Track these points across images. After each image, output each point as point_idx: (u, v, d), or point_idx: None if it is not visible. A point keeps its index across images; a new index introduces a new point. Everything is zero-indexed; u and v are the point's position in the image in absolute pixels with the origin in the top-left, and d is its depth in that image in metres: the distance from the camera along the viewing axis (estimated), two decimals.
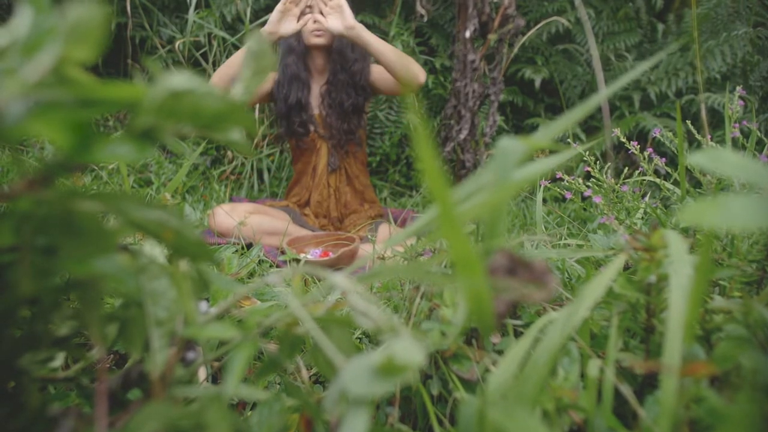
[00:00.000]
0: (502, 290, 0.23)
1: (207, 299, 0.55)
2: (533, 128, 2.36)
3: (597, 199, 0.67)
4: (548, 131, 0.27)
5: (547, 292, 0.21)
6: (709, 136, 0.75)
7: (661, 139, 0.80)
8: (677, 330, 0.31)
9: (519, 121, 2.46)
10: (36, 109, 0.20)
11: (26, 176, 0.22)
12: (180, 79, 0.20)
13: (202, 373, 0.55)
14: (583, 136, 2.18)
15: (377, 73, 1.66)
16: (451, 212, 0.20)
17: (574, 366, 0.42)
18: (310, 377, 0.58)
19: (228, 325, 0.27)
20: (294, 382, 0.53)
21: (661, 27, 2.47)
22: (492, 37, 0.49)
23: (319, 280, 1.23)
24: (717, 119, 2.28)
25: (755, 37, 2.19)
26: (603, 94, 0.28)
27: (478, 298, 0.22)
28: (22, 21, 0.22)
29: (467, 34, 0.46)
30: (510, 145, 0.25)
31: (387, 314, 0.25)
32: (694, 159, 0.26)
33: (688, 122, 0.79)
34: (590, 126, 2.41)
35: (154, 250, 0.34)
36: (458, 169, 0.51)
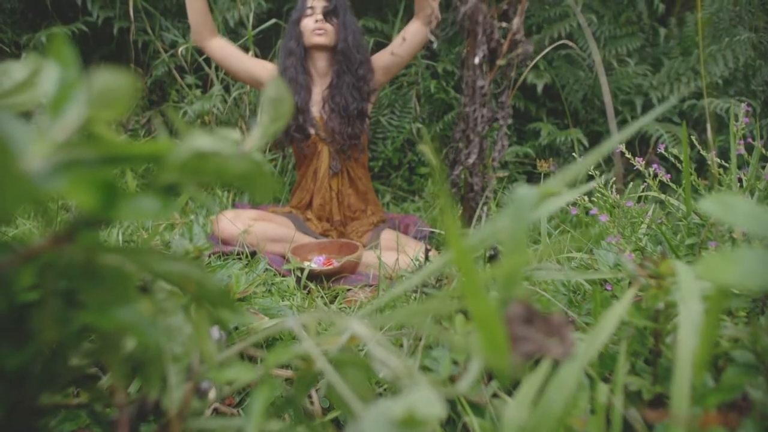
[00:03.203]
0: (519, 341, 0.23)
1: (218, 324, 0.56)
2: (535, 133, 2.36)
3: (603, 218, 0.67)
4: (562, 177, 0.27)
5: (567, 347, 0.22)
6: (713, 152, 0.75)
7: (665, 154, 0.81)
8: (686, 368, 0.32)
9: (521, 126, 2.46)
10: (62, 169, 0.21)
11: (51, 232, 0.22)
12: (205, 141, 0.20)
13: (212, 393, 0.55)
14: (585, 142, 2.19)
15: (381, 59, 1.64)
16: (472, 270, 0.21)
17: (583, 393, 0.42)
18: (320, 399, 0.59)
19: (246, 367, 0.28)
20: (304, 405, 0.54)
21: (663, 31, 2.48)
22: (501, 62, 0.49)
23: (325, 292, 1.23)
24: (719, 123, 2.28)
25: (757, 42, 2.19)
26: (615, 139, 0.28)
27: (495, 351, 0.22)
28: (48, 78, 0.23)
29: (476, 60, 0.47)
30: (525, 193, 0.26)
31: (403, 361, 0.26)
32: (704, 206, 0.26)
33: (693, 137, 0.79)
34: (592, 131, 2.41)
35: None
36: (466, 192, 0.51)
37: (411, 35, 1.55)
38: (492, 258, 0.52)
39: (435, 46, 0.49)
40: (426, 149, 0.37)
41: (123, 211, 0.22)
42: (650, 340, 0.46)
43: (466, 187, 0.52)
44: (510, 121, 0.49)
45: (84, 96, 0.22)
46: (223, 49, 1.63)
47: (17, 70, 0.38)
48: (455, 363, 0.42)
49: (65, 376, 0.30)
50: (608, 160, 2.30)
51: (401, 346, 0.51)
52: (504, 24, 0.50)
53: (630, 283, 0.62)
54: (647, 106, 2.32)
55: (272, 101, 0.27)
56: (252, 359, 0.57)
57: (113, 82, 0.19)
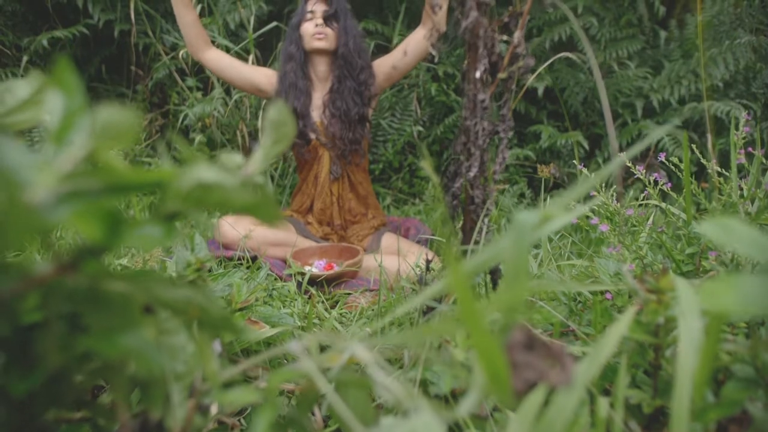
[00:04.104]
0: (520, 367, 0.24)
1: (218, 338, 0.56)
2: (536, 136, 2.36)
3: (604, 228, 0.67)
4: (563, 199, 0.28)
5: (567, 375, 0.22)
6: (714, 160, 0.75)
7: (666, 162, 0.81)
8: (686, 388, 0.32)
9: (522, 128, 2.46)
10: (67, 200, 0.21)
11: (56, 260, 0.22)
12: (209, 173, 0.21)
13: (214, 408, 0.55)
14: (586, 144, 2.19)
15: (383, 66, 1.63)
16: (472, 302, 0.21)
17: (583, 408, 0.42)
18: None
19: (249, 388, 0.28)
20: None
21: (663, 34, 2.48)
22: (502, 75, 0.50)
23: (326, 297, 1.23)
24: (719, 126, 2.29)
25: (757, 45, 2.19)
26: (617, 162, 0.28)
27: (496, 381, 0.22)
28: (53, 106, 0.23)
29: (477, 74, 0.47)
30: (526, 218, 0.26)
31: (404, 384, 0.26)
32: (704, 229, 0.26)
33: (695, 146, 0.79)
34: (593, 133, 2.41)
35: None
36: (467, 205, 0.52)
37: (413, 49, 1.55)
38: (493, 274, 0.53)
39: (437, 60, 0.49)
40: (426, 165, 0.37)
41: (127, 240, 0.22)
42: (650, 353, 0.46)
43: (467, 199, 0.52)
44: (511, 133, 0.49)
45: (88, 124, 0.23)
46: (219, 60, 1.64)
47: (20, 87, 0.38)
48: (456, 378, 0.42)
49: (69, 396, 0.31)
50: (608, 162, 2.30)
51: (402, 357, 0.51)
52: (505, 37, 0.50)
53: (630, 295, 0.62)
54: (648, 109, 2.32)
55: (274, 124, 0.28)
56: (253, 370, 0.57)
57: (117, 117, 0.19)
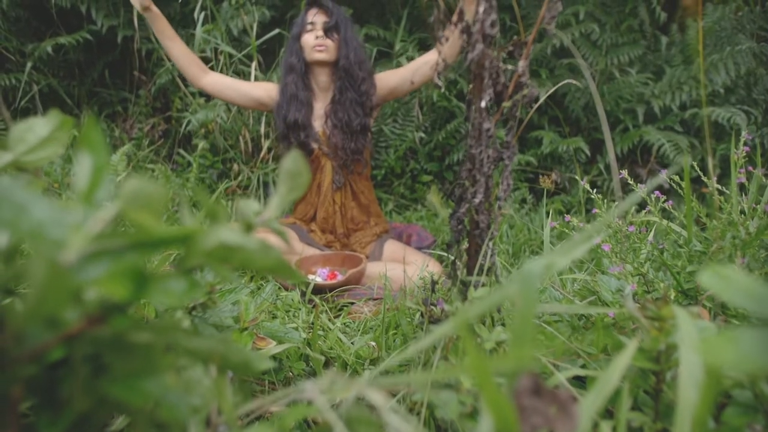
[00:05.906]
0: (527, 412, 0.25)
1: None
2: (537, 141, 2.37)
3: (606, 247, 0.68)
4: (567, 251, 0.29)
5: (573, 423, 0.23)
6: (714, 178, 0.76)
7: (668, 180, 0.82)
8: (686, 422, 0.33)
9: (523, 134, 2.47)
10: (96, 260, 0.22)
11: (85, 313, 0.24)
12: (232, 235, 0.22)
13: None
14: (587, 150, 2.20)
15: (389, 81, 1.66)
16: (480, 359, 0.22)
17: None
18: None
19: (266, 427, 0.29)
20: None
21: (664, 39, 2.48)
22: (506, 104, 0.51)
23: (329, 306, 1.24)
24: (720, 131, 2.29)
25: (758, 51, 2.20)
26: (622, 204, 0.29)
27: (505, 425, 0.23)
28: (82, 168, 0.24)
29: (483, 104, 0.48)
30: (532, 267, 0.27)
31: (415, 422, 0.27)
32: (703, 279, 0.27)
33: (695, 164, 0.80)
34: (594, 139, 2.42)
35: None
36: (472, 229, 0.53)
37: (420, 77, 1.61)
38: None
39: (442, 90, 0.50)
40: (434, 199, 0.38)
41: (152, 295, 0.23)
42: (652, 378, 0.47)
43: (472, 224, 0.53)
44: (515, 159, 0.50)
45: (113, 180, 0.24)
46: (216, 83, 1.67)
47: (40, 126, 0.40)
48: (462, 403, 0.43)
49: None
50: (609, 167, 2.31)
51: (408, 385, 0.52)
52: (509, 66, 0.51)
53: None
54: (649, 114, 2.33)
55: (289, 174, 0.29)
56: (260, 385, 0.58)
57: (146, 188, 0.20)
